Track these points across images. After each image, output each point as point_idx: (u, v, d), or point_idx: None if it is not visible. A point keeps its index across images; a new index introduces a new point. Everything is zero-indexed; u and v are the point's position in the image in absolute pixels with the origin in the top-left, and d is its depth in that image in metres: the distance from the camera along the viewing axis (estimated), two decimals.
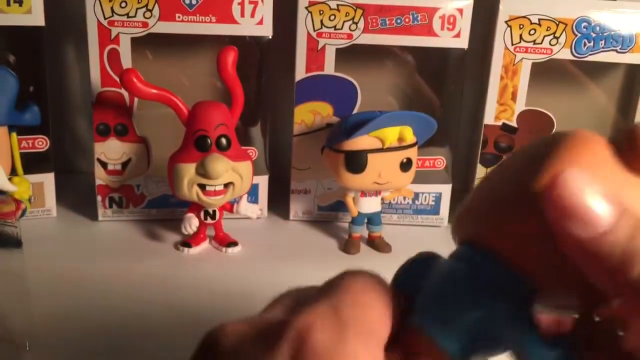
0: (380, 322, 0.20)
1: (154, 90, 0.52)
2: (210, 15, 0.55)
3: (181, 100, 0.53)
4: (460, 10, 0.56)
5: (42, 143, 0.57)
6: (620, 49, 0.56)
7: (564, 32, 0.55)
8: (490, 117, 0.58)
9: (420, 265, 0.22)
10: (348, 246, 0.56)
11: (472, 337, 0.20)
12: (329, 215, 0.62)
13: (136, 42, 0.55)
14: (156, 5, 0.54)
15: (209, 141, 0.51)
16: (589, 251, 0.18)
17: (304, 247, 0.57)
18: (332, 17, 0.55)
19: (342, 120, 0.55)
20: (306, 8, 0.55)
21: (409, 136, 0.52)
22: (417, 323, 0.21)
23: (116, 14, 0.54)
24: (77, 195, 0.63)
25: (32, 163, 0.56)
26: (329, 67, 0.57)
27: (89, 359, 0.40)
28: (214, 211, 0.54)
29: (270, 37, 0.56)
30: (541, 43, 0.56)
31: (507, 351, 0.20)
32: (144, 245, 0.55)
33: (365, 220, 0.56)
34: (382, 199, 0.56)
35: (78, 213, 0.61)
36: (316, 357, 0.18)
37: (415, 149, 0.54)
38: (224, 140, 0.51)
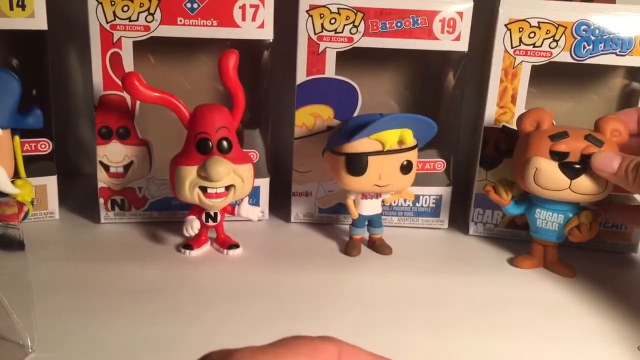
0: None
1: (156, 94, 0.52)
2: (212, 19, 0.55)
3: (183, 103, 0.53)
4: (460, 14, 0.56)
5: (44, 146, 0.57)
6: (619, 51, 0.56)
7: (563, 35, 0.56)
8: (490, 119, 0.58)
9: None
10: (349, 248, 0.56)
11: None
12: (329, 218, 0.62)
13: (138, 46, 0.55)
14: (158, 9, 0.54)
15: (210, 144, 0.51)
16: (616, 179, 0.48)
17: (305, 249, 0.57)
18: (333, 21, 0.56)
19: (343, 123, 0.55)
20: (307, 12, 0.56)
21: (409, 139, 0.52)
22: None
23: (118, 17, 0.54)
24: (79, 198, 0.64)
25: (35, 166, 0.57)
26: (330, 70, 0.57)
27: None
28: (216, 213, 0.54)
29: (271, 40, 0.57)
30: (541, 46, 0.56)
31: None
32: (146, 247, 0.56)
33: (366, 223, 0.57)
34: (382, 201, 0.56)
35: (80, 215, 0.61)
36: None
37: (415, 151, 0.54)
38: (225, 143, 0.52)
